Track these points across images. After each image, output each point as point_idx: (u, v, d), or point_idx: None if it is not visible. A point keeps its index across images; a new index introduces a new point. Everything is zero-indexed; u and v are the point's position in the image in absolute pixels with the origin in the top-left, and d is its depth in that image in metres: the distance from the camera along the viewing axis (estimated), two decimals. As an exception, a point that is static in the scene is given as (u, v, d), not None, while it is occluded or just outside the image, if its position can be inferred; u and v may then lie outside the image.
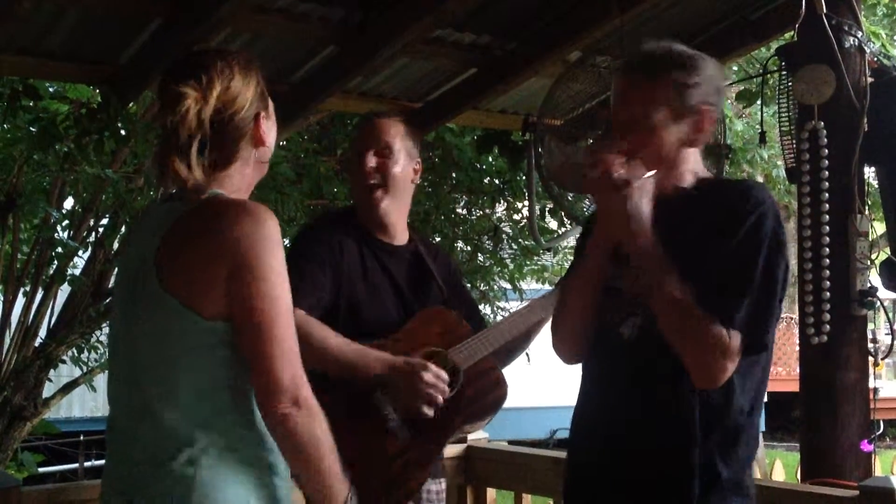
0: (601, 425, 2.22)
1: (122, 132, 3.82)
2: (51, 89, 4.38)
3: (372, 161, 2.66)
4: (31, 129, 4.00)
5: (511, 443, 4.32)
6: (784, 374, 13.63)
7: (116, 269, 2.01)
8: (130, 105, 3.81)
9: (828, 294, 3.18)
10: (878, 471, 7.42)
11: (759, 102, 4.03)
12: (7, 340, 5.60)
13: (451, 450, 3.99)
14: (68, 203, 5.83)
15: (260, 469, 1.82)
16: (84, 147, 3.55)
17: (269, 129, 1.96)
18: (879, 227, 4.12)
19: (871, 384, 3.35)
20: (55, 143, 3.79)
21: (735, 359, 2.00)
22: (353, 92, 3.88)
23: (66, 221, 5.66)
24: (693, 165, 2.15)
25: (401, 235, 2.76)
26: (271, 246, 1.78)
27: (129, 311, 1.85)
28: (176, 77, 1.83)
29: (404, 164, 2.72)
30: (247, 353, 1.77)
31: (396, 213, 2.74)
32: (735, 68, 5.35)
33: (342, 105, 3.98)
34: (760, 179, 7.71)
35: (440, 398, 2.50)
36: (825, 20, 3.14)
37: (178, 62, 1.91)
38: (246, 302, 1.75)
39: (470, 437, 4.06)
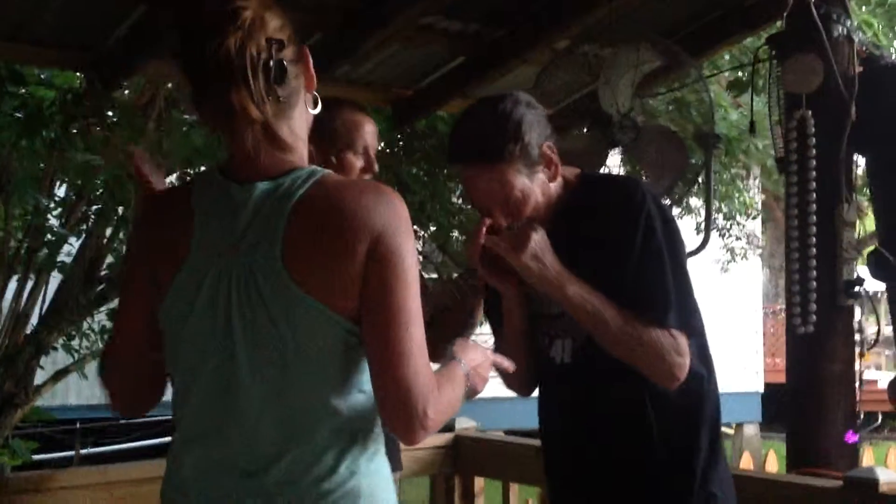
0: (564, 442, 2.31)
1: (112, 119, 3.80)
2: (42, 76, 4.37)
3: (375, 164, 2.68)
4: (17, 115, 3.99)
5: (506, 433, 4.32)
6: (782, 364, 13.62)
7: (173, 280, 1.66)
8: (119, 91, 3.79)
9: (814, 284, 3.17)
10: (872, 462, 7.47)
11: (750, 92, 4.00)
12: (-1, 326, 5.61)
13: (439, 439, 4.00)
14: (63, 190, 5.83)
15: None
16: (70, 134, 3.53)
17: (313, 73, 1.71)
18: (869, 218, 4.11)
19: (858, 374, 3.35)
20: (42, 129, 3.77)
21: (687, 352, 2.08)
22: (341, 79, 3.86)
23: (60, 209, 5.66)
24: (558, 184, 2.19)
25: None
26: (408, 232, 1.62)
27: (243, 314, 1.60)
28: None
29: None
30: (377, 350, 1.59)
31: None
32: (727, 57, 5.33)
33: (331, 92, 3.93)
34: (756, 170, 7.72)
35: None
36: (813, 9, 3.13)
37: None
38: (384, 296, 1.57)
39: (458, 426, 4.06)
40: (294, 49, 1.65)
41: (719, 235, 8.57)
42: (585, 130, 3.47)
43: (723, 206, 8.07)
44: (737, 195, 8.05)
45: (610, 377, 2.14)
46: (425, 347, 1.61)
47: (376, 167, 2.69)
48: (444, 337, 2.59)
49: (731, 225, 8.47)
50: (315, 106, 1.73)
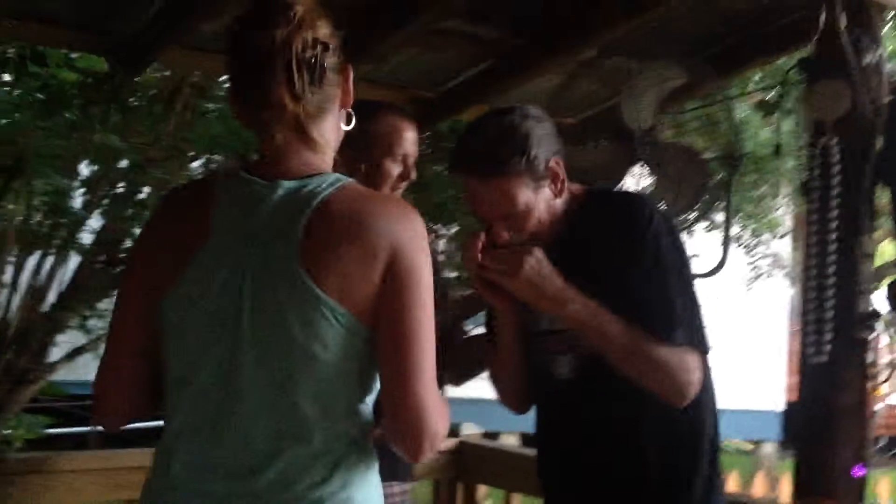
0: (562, 459, 2.29)
1: (132, 104, 3.79)
2: (71, 56, 4.38)
3: (413, 172, 2.62)
4: (38, 95, 3.99)
5: (523, 436, 4.32)
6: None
7: (188, 262, 1.62)
8: (140, 77, 3.78)
9: (830, 314, 3.11)
10: (887, 492, 7.38)
11: (777, 114, 3.95)
12: (15, 302, 5.62)
13: (444, 444, 3.99)
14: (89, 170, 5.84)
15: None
16: (90, 117, 3.53)
17: (352, 91, 1.73)
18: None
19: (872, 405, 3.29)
20: (62, 111, 3.77)
21: (697, 369, 2.05)
22: (362, 78, 3.83)
23: (83, 189, 5.67)
24: (564, 200, 2.18)
25: None
26: (427, 250, 1.63)
27: (255, 310, 1.58)
28: None
29: None
30: (392, 366, 1.58)
31: None
32: (758, 76, 5.25)
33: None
34: (786, 189, 7.62)
35: None
36: (843, 35, 3.06)
37: None
38: (401, 311, 1.57)
39: (463, 432, 4.06)
40: (338, 60, 1.66)
41: (745, 253, 8.47)
42: (607, 144, 3.43)
43: (751, 223, 7.97)
44: (763, 214, 7.95)
45: (611, 394, 2.12)
46: (435, 368, 1.60)
47: (414, 175, 2.62)
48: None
49: (757, 243, 8.37)
50: (349, 123, 1.74)
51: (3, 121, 4.16)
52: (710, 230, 7.54)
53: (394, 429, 1.60)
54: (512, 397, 2.36)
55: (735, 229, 8.50)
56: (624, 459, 2.15)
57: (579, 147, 3.62)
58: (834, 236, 3.12)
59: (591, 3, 3.35)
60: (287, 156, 1.65)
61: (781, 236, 8.47)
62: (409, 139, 2.61)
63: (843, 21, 3.06)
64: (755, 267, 8.80)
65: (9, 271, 5.59)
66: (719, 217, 7.47)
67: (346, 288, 1.56)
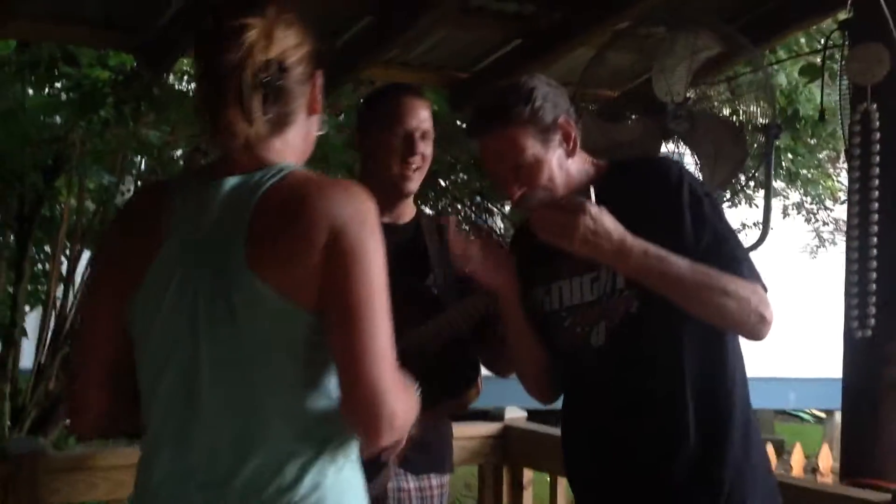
0: (595, 441, 2.23)
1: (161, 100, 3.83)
2: (99, 56, 4.42)
3: (421, 146, 2.59)
4: (70, 95, 4.05)
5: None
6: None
7: (148, 267, 1.62)
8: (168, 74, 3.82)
9: (874, 286, 3.02)
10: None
11: (821, 78, 3.83)
12: (71, 297, 5.73)
13: (487, 428, 3.96)
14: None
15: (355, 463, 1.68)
16: (123, 114, 3.57)
17: (321, 98, 1.71)
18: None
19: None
20: (96, 109, 3.82)
21: (770, 303, 2.02)
22: (394, 61, 3.81)
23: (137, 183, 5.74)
24: (581, 167, 2.19)
25: (408, 213, 2.72)
26: (373, 229, 1.58)
27: (207, 311, 1.57)
28: (234, 11, 1.59)
29: (432, 147, 2.68)
30: (339, 346, 1.55)
31: (413, 194, 2.71)
32: (803, 40, 5.11)
33: (385, 75, 3.92)
34: (842, 154, 7.44)
35: None
36: (881, -4, 2.96)
37: (228, 1, 1.65)
38: (346, 291, 1.53)
39: (507, 415, 4.01)
40: (303, 70, 1.63)
41: (805, 220, 8.32)
42: (638, 119, 3.35)
43: (809, 189, 7.81)
44: (823, 180, 7.78)
45: (647, 362, 2.09)
46: (391, 349, 1.56)
47: (423, 151, 2.58)
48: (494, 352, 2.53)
49: (818, 209, 8.22)
50: (320, 129, 1.72)
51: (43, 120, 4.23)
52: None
53: (348, 412, 1.55)
54: (536, 387, 2.33)
55: (795, 196, 8.34)
56: (660, 429, 2.10)
57: (619, 122, 3.54)
58: (876, 206, 3.03)
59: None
60: (239, 155, 1.64)
61: (843, 202, 8.29)
62: (412, 115, 2.58)
63: (878, -20, 2.95)
64: (818, 234, 8.64)
65: (64, 265, 5.69)
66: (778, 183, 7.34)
67: (291, 277, 1.53)
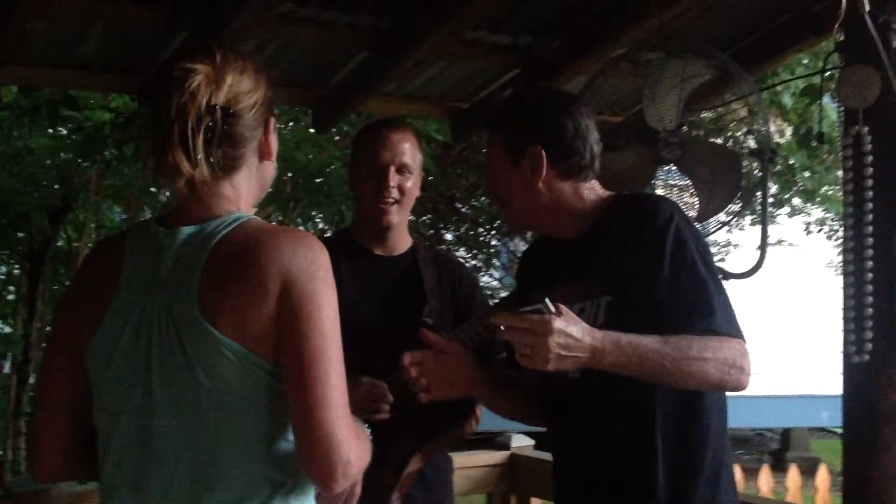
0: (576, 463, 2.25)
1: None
2: (102, 100, 4.47)
3: (394, 179, 2.62)
4: (73, 137, 4.10)
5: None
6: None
7: (104, 314, 1.66)
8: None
9: (870, 311, 2.99)
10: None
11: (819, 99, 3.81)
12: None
13: (494, 457, 3.97)
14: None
15: None
16: (125, 155, 3.62)
17: (274, 144, 1.76)
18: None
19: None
20: (100, 150, 3.87)
21: (747, 353, 2.02)
22: (393, 94, 3.84)
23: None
24: (578, 198, 2.21)
25: (401, 245, 2.74)
26: (325, 279, 1.61)
27: (160, 356, 1.60)
28: (184, 56, 1.64)
29: (417, 178, 2.70)
30: (296, 396, 1.57)
31: (401, 226, 2.74)
32: (806, 61, 5.09)
33: (386, 108, 3.95)
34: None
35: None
36: (868, 19, 2.93)
37: (186, 46, 1.80)
38: (298, 342, 1.56)
39: (514, 444, 4.02)
40: (254, 115, 1.68)
41: (826, 237, 8.25)
42: (632, 147, 3.34)
43: (828, 207, 7.74)
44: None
45: (616, 396, 2.08)
46: (346, 397, 1.59)
47: (399, 184, 2.61)
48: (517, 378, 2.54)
49: (840, 226, 8.13)
50: (271, 174, 1.78)
51: (47, 162, 4.29)
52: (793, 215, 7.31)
53: (303, 460, 1.58)
54: (532, 416, 2.38)
55: (817, 213, 8.27)
56: (630, 478, 2.11)
57: (615, 151, 3.54)
58: (870, 230, 3.00)
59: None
60: (191, 204, 1.67)
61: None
62: (386, 149, 2.62)
63: (865, 5, 2.93)
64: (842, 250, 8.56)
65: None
66: (795, 200, 7.27)
67: (243, 325, 1.56)
